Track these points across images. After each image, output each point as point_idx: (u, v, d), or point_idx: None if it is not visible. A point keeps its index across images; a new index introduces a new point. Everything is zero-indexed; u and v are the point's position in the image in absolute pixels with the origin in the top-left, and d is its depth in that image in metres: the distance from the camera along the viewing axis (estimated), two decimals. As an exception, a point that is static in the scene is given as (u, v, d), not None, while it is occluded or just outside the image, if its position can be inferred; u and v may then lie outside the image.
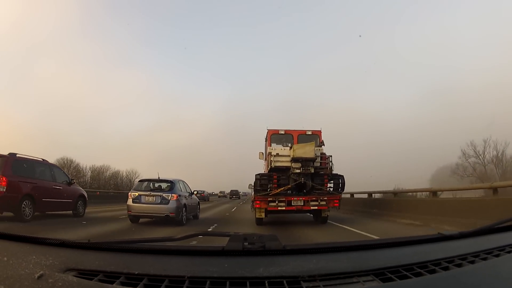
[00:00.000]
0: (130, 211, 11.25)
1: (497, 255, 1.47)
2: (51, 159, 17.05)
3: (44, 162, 12.61)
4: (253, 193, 19.80)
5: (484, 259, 1.42)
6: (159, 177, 12.30)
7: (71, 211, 13.11)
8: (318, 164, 11.50)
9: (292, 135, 12.32)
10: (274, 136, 12.38)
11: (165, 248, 1.43)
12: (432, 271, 1.27)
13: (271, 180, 11.21)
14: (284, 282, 1.14)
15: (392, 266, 1.28)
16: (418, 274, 1.24)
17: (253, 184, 21.40)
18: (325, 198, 11.17)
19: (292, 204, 11.01)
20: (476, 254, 1.45)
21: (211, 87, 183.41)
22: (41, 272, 1.10)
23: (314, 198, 11.05)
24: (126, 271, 1.17)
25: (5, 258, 1.22)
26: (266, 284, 1.13)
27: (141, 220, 11.70)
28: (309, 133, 12.38)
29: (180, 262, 1.30)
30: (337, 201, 11.37)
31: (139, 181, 12.19)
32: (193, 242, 1.51)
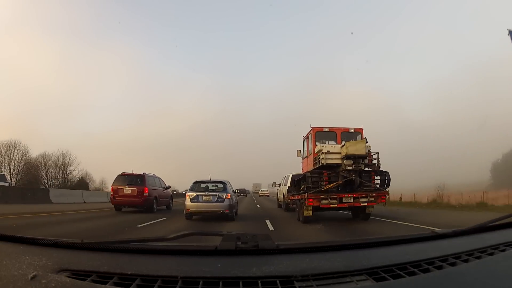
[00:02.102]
0: (188, 210, 12.26)
1: (491, 254, 1.45)
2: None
3: (155, 176, 18.53)
4: (280, 192, 19.84)
5: (478, 257, 1.40)
6: (210, 178, 13.50)
7: (165, 206, 18.80)
8: (366, 161, 11.34)
9: (336, 133, 12.30)
10: (318, 134, 12.35)
11: (158, 248, 1.46)
12: (426, 270, 1.26)
13: (322, 178, 11.16)
14: (277, 281, 1.15)
15: (385, 265, 1.27)
16: (412, 273, 1.23)
17: (277, 183, 21.18)
18: (374, 194, 11.14)
19: (343, 201, 10.93)
20: (470, 252, 1.43)
21: (203, 84, 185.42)
22: (34, 272, 1.12)
23: (364, 195, 11.04)
24: (119, 271, 1.19)
25: None
26: (259, 284, 1.14)
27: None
28: (352, 130, 12.35)
29: (173, 262, 1.32)
30: (384, 197, 11.35)
31: (194, 182, 13.14)
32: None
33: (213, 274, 1.18)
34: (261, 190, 67.97)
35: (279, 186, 21.12)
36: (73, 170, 54.02)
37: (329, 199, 10.81)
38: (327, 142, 12.22)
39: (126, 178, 16.87)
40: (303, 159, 14.07)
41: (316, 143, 12.18)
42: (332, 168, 11.32)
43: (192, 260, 1.34)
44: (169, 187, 20.14)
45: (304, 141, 13.73)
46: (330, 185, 10.92)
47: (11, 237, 1.51)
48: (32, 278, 1.10)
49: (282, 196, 19.33)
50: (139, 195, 16.08)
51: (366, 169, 11.37)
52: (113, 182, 17.02)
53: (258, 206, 24.82)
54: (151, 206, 16.50)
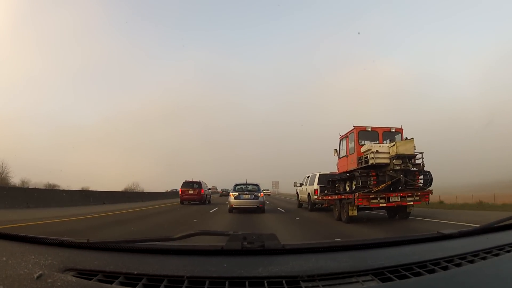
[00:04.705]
0: (232, 205, 16.26)
1: (497, 254, 1.43)
2: None
3: (203, 181, 26.88)
4: (302, 192, 19.87)
5: (484, 258, 1.39)
6: (246, 181, 18.05)
7: (208, 201, 27.39)
8: (413, 161, 11.23)
9: (378, 132, 12.17)
10: (361, 133, 12.20)
11: (164, 247, 1.45)
12: (432, 271, 1.25)
13: (370, 177, 11.03)
14: (283, 281, 1.14)
15: (391, 266, 1.26)
16: (418, 274, 1.22)
17: (298, 182, 21.36)
18: (419, 193, 11.02)
19: (390, 200, 10.82)
20: (475, 253, 1.41)
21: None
22: (40, 272, 1.13)
23: (410, 194, 10.95)
24: (125, 271, 1.20)
25: (4, 258, 1.26)
26: (265, 284, 1.13)
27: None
28: (393, 130, 12.29)
29: (179, 261, 1.32)
30: (427, 196, 11.21)
31: (235, 185, 17.56)
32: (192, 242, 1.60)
33: (219, 274, 1.18)
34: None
35: (301, 186, 20.87)
36: None
37: (378, 199, 10.74)
38: (363, 141, 12.13)
39: (189, 183, 25.74)
40: (339, 158, 13.90)
41: (361, 142, 12.10)
42: (379, 167, 11.18)
43: (198, 260, 1.34)
44: (211, 188, 30.84)
45: (341, 140, 13.59)
46: (381, 186, 10.81)
47: (17, 236, 1.53)
48: (38, 277, 1.11)
49: (306, 196, 19.05)
50: (198, 194, 25.22)
51: (413, 168, 11.21)
52: (181, 186, 25.92)
53: (276, 206, 24.52)
54: (204, 201, 25.77)
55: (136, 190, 46.77)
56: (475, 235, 1.73)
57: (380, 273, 1.21)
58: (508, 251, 1.47)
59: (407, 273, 1.21)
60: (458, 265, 1.30)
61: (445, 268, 1.27)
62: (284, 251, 1.38)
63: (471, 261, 1.34)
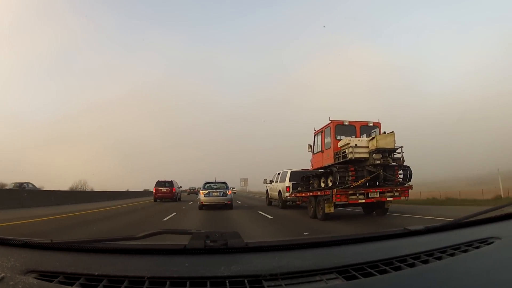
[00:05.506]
0: (202, 202, 17.18)
1: (465, 251, 1.40)
2: None
3: (174, 181, 29.72)
4: (272, 189, 19.85)
5: (452, 254, 1.36)
6: (215, 179, 19.07)
7: (178, 198, 29.42)
8: (393, 155, 11.09)
9: (355, 126, 12.01)
10: (338, 127, 11.98)
11: (126, 247, 1.42)
12: (398, 268, 1.23)
13: (348, 172, 10.82)
14: (246, 281, 1.13)
15: (356, 263, 1.24)
16: (383, 271, 1.20)
17: (268, 179, 20.82)
18: (398, 189, 10.98)
19: (370, 196, 10.66)
20: (443, 249, 1.39)
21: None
22: (2, 274, 1.10)
23: (389, 189, 10.84)
24: (86, 272, 1.17)
25: None
26: (227, 284, 1.11)
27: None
28: (371, 124, 12.11)
29: (141, 261, 1.30)
30: (407, 191, 11.18)
31: (205, 183, 18.37)
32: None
33: (180, 274, 1.16)
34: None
35: (271, 183, 20.27)
36: None
37: (357, 195, 10.58)
38: (339, 136, 11.92)
39: (162, 182, 28.23)
40: (314, 154, 13.64)
41: (338, 136, 11.90)
42: (358, 162, 11.03)
43: (160, 260, 1.32)
44: (181, 187, 33.38)
45: (316, 135, 13.35)
46: (360, 181, 10.67)
47: None
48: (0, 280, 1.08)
49: (276, 193, 18.73)
50: (171, 192, 27.90)
51: (392, 163, 11.10)
52: (155, 185, 28.21)
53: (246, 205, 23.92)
54: (176, 198, 28.26)
55: (86, 189, 51.60)
56: (443, 231, 1.71)
57: (344, 271, 1.19)
58: (477, 247, 1.45)
59: (372, 271, 1.19)
60: (425, 262, 1.29)
61: (411, 265, 1.25)
62: (247, 249, 1.37)
63: (439, 258, 1.32)
